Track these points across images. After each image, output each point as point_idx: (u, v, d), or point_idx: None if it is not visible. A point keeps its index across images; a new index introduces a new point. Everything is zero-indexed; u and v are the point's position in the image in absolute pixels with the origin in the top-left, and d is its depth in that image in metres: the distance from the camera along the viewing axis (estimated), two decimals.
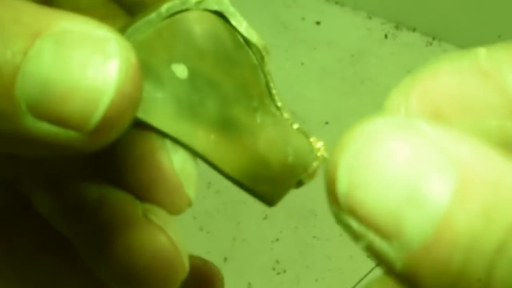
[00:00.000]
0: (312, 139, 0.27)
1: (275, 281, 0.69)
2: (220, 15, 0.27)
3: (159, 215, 0.25)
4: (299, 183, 0.27)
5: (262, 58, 0.28)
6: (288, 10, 0.85)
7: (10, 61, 0.20)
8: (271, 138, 0.27)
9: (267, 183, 0.27)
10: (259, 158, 0.27)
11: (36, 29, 0.21)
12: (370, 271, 0.68)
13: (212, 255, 0.74)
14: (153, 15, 0.26)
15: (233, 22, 0.27)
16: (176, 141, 0.26)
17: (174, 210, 0.26)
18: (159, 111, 0.26)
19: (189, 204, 0.26)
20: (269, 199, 0.27)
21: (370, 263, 0.72)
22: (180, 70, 0.26)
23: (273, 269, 0.69)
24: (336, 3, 0.85)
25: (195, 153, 0.26)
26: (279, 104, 0.27)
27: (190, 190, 0.26)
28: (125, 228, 0.25)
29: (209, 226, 0.75)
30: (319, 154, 0.27)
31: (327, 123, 0.76)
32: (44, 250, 0.27)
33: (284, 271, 0.69)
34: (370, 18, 0.85)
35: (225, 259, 0.72)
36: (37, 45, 0.20)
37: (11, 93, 0.20)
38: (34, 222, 0.27)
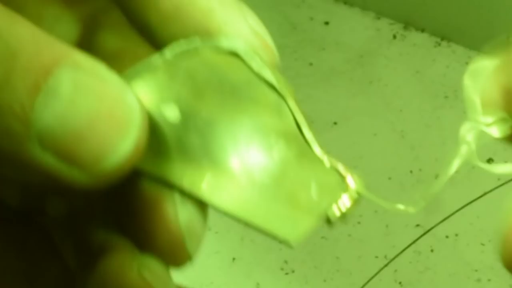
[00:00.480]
0: (343, 172, 0.26)
1: (283, 281, 0.69)
2: (232, 53, 0.26)
3: (154, 271, 0.25)
4: (329, 221, 0.26)
5: (289, 93, 0.27)
6: (297, 11, 0.85)
7: (29, 85, 0.19)
8: (289, 173, 0.26)
9: (284, 222, 0.26)
10: (274, 196, 0.26)
11: (56, 56, 0.21)
12: (378, 272, 0.68)
13: (220, 255, 0.74)
14: (155, 58, 0.25)
15: (246, 59, 0.26)
16: (173, 187, 0.25)
17: (172, 263, 0.26)
18: (152, 158, 0.25)
19: (189, 260, 0.26)
20: (287, 240, 0.26)
21: (378, 264, 0.72)
22: (171, 112, 0.26)
23: (282, 269, 0.69)
24: (345, 3, 0.85)
25: (196, 198, 0.25)
26: (308, 137, 0.26)
27: (192, 246, 0.25)
28: (117, 283, 0.25)
29: (217, 226, 0.75)
30: (349, 188, 0.26)
31: (335, 123, 0.76)
32: (52, 258, 0.27)
33: (293, 271, 0.69)
34: (378, 18, 0.85)
35: (234, 259, 0.72)
36: (56, 74, 0.20)
37: (27, 116, 0.20)
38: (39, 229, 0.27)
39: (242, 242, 0.73)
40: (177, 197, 0.25)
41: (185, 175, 0.25)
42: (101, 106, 0.20)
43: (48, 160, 0.19)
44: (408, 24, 0.84)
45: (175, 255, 0.26)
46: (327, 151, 0.27)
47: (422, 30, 0.83)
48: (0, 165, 0.20)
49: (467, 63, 0.66)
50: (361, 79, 0.81)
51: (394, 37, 0.84)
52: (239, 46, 0.26)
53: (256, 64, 0.26)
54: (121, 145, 0.20)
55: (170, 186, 0.25)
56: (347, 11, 0.85)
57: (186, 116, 0.25)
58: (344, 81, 0.80)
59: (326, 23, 0.84)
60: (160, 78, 0.25)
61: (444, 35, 0.82)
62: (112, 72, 0.21)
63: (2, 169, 0.20)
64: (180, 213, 0.25)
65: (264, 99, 0.26)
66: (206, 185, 0.26)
